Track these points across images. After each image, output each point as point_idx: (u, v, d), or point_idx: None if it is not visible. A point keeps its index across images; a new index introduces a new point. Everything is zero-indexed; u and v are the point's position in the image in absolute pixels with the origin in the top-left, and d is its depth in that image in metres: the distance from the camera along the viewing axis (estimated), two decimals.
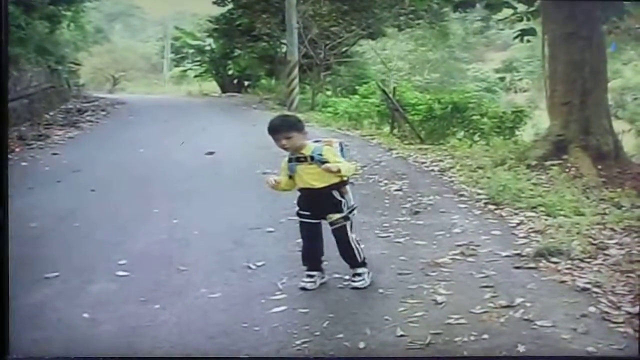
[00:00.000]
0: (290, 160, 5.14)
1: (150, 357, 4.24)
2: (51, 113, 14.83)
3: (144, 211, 7.36)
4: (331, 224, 5.13)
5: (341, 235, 5.13)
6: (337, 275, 5.20)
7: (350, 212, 5.17)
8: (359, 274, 5.14)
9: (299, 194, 5.22)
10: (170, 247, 6.18)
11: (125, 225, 6.88)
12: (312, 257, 5.23)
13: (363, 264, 5.18)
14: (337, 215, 5.10)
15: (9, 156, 9.54)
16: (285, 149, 5.10)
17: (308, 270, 5.22)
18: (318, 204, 5.11)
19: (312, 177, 5.06)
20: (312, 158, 5.05)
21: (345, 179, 5.14)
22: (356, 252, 5.16)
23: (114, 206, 7.63)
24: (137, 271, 5.50)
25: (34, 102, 13.85)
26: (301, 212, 5.20)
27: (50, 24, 16.24)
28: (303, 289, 5.09)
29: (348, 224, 5.15)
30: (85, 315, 4.65)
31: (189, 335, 4.36)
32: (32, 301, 4.90)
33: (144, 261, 5.76)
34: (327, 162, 4.98)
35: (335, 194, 5.11)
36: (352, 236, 5.17)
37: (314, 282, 5.15)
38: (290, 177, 5.16)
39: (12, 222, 6.71)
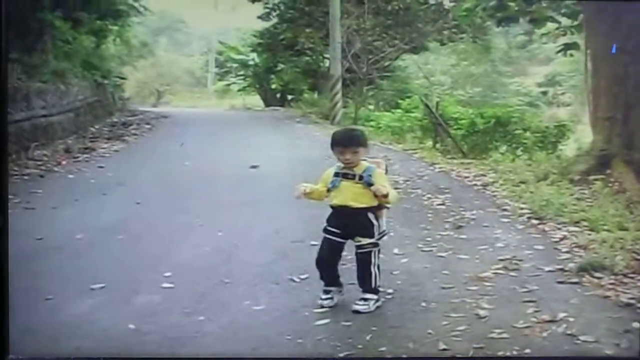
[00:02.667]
0: (336, 174, 4.98)
1: (154, 358, 4.29)
2: (97, 126, 15.07)
3: (188, 223, 7.44)
4: (359, 247, 4.98)
5: (365, 261, 4.98)
6: (380, 289, 5.21)
7: (380, 238, 5.03)
8: (366, 299, 4.94)
9: (330, 210, 5.07)
10: (214, 259, 6.21)
11: (169, 238, 6.95)
12: (330, 273, 5.08)
13: (375, 291, 5.00)
14: (367, 240, 4.95)
15: (55, 168, 9.80)
16: (349, 164, 4.94)
17: (326, 285, 5.08)
18: (351, 224, 4.96)
19: (352, 196, 4.91)
20: (360, 177, 4.90)
21: (383, 204, 5.00)
22: (374, 278, 4.99)
23: (158, 218, 7.73)
24: (181, 283, 5.54)
25: (80, 116, 14.08)
26: (330, 228, 5.03)
27: (96, 38, 16.55)
28: (321, 306, 4.96)
29: (375, 250, 5.00)
30: (131, 326, 4.70)
31: (233, 347, 4.39)
32: (77, 311, 4.97)
33: (189, 273, 5.80)
34: (373, 183, 4.84)
35: (371, 216, 4.96)
36: (376, 262, 5.01)
37: (332, 298, 5.02)
38: (329, 190, 5.01)
39: (59, 233, 6.86)
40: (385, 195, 4.80)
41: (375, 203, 4.92)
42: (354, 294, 5.02)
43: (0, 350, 4.24)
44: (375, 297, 4.98)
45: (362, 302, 4.92)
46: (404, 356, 4.22)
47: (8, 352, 4.21)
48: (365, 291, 4.98)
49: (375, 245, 4.99)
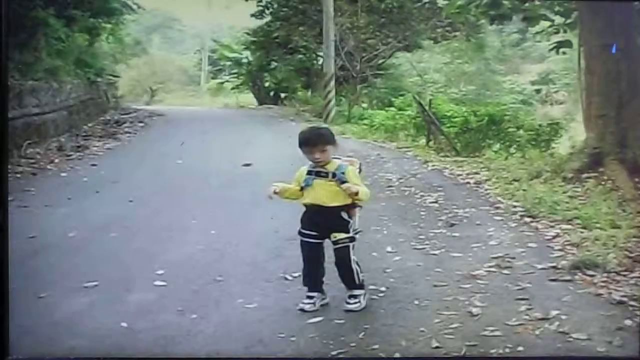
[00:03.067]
0: (309, 173, 4.97)
1: (150, 357, 4.29)
2: (90, 124, 15.06)
3: (181, 222, 7.45)
4: (335, 242, 4.95)
5: (343, 256, 4.93)
6: (372, 287, 5.21)
7: (355, 234, 5.00)
8: (355, 296, 4.95)
9: (303, 210, 5.05)
10: (207, 258, 6.23)
11: (162, 236, 6.95)
12: (313, 278, 5.03)
13: (360, 286, 5.00)
14: (343, 235, 4.93)
15: (48, 167, 9.78)
16: (318, 162, 4.91)
17: (309, 291, 5.03)
18: (324, 222, 4.94)
19: (326, 195, 4.89)
20: (334, 175, 4.89)
21: (356, 202, 4.97)
22: (355, 274, 4.97)
23: (151, 217, 7.74)
24: (174, 281, 5.55)
25: (73, 114, 14.06)
26: (305, 231, 5.02)
27: (89, 36, 16.50)
28: (302, 310, 4.90)
29: (352, 245, 4.97)
30: (124, 324, 4.71)
31: (226, 345, 4.40)
32: (70, 310, 4.97)
33: (182, 271, 5.81)
34: (346, 181, 4.83)
35: (344, 214, 4.95)
36: (354, 258, 4.96)
37: (314, 303, 4.95)
38: (302, 188, 4.99)
39: (52, 231, 6.86)
40: (356, 193, 4.79)
41: (348, 201, 4.91)
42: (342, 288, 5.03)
43: (0, 351, 4.24)
44: (362, 291, 5.00)
45: (352, 300, 4.94)
46: (397, 356, 4.23)
47: (8, 352, 4.21)
48: (351, 288, 4.99)
49: (352, 239, 4.97)
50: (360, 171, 5.12)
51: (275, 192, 4.98)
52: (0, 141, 4.66)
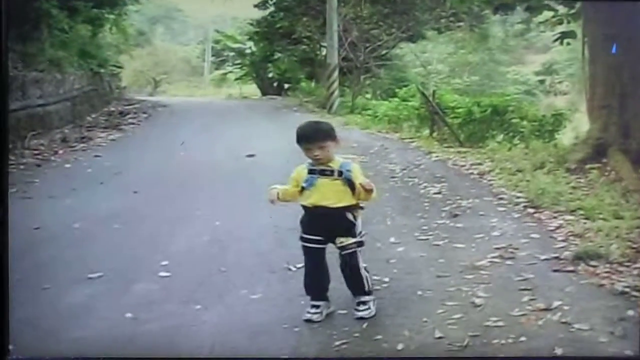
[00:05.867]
0: (311, 172, 4.67)
1: (151, 357, 4.31)
2: (93, 115, 15.02)
3: (185, 213, 7.47)
4: (342, 248, 4.68)
5: (352, 262, 4.67)
6: (376, 278, 5.21)
7: (361, 237, 4.73)
8: (364, 302, 4.72)
9: (302, 213, 4.78)
10: (211, 249, 6.28)
11: (167, 227, 6.99)
12: (318, 286, 4.78)
13: (369, 293, 4.76)
14: (350, 240, 4.65)
15: (52, 158, 9.79)
16: (317, 159, 4.61)
17: (314, 299, 4.76)
18: (329, 226, 4.65)
19: (331, 195, 4.60)
20: (340, 173, 4.59)
21: (360, 202, 4.69)
22: (365, 280, 4.73)
23: (155, 208, 7.76)
24: (178, 272, 5.59)
25: (77, 105, 14.03)
26: (307, 236, 4.73)
27: (92, 27, 16.44)
28: (309, 321, 4.64)
29: (359, 250, 4.71)
30: (129, 315, 4.74)
31: (230, 335, 4.43)
32: (75, 301, 5.00)
33: (186, 262, 5.85)
34: (352, 180, 4.55)
35: (349, 216, 4.65)
36: (362, 263, 4.72)
37: (320, 312, 4.70)
38: (302, 189, 4.69)
39: (56, 222, 6.87)
40: (372, 191, 4.54)
41: (353, 201, 4.63)
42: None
43: (0, 348, 4.25)
44: (371, 297, 4.77)
45: (362, 307, 4.70)
46: (400, 347, 4.24)
47: (7, 352, 4.22)
48: (359, 295, 4.76)
49: (360, 244, 4.71)
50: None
51: (278, 197, 4.71)
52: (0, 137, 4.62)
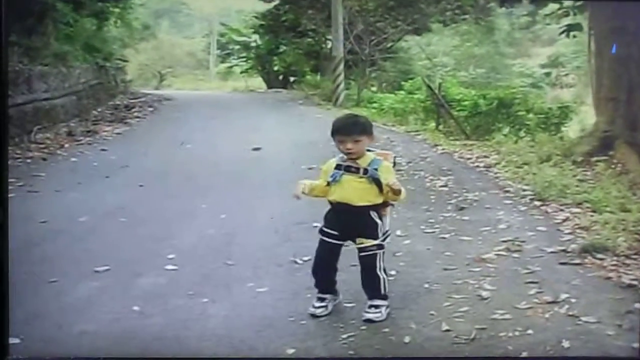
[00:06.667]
0: (338, 167, 4.52)
1: (150, 357, 4.29)
2: (99, 109, 15.02)
3: (191, 206, 7.46)
4: (361, 249, 4.52)
5: (370, 264, 4.50)
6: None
7: (384, 239, 4.57)
8: (377, 306, 4.51)
9: (328, 207, 4.64)
10: (217, 242, 6.26)
11: (173, 220, 6.98)
12: (328, 279, 4.66)
13: (385, 297, 4.56)
14: (370, 242, 4.48)
15: (58, 152, 9.79)
16: (350, 153, 4.45)
17: (320, 292, 4.66)
18: (352, 223, 4.51)
19: (354, 193, 4.45)
20: (365, 171, 4.45)
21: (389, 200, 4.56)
22: (382, 283, 4.54)
23: (162, 201, 7.75)
24: (185, 265, 5.58)
25: (82, 99, 14.02)
26: (328, 230, 4.59)
27: (98, 21, 16.46)
28: (313, 315, 4.56)
29: (380, 252, 4.52)
30: (135, 308, 4.74)
31: (237, 329, 4.41)
32: (81, 294, 4.99)
33: (192, 255, 5.84)
34: (377, 179, 4.41)
35: (374, 215, 4.50)
36: (382, 265, 4.54)
37: (326, 306, 4.61)
38: (329, 183, 4.54)
39: (63, 216, 6.87)
40: (399, 192, 4.38)
41: (379, 200, 4.49)
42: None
43: (1, 349, 4.24)
44: (385, 302, 4.55)
45: (373, 310, 4.50)
46: (407, 340, 4.23)
47: (7, 352, 4.21)
48: (374, 298, 4.56)
49: (380, 247, 4.53)
50: (394, 165, 4.68)
51: (303, 191, 4.55)
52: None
